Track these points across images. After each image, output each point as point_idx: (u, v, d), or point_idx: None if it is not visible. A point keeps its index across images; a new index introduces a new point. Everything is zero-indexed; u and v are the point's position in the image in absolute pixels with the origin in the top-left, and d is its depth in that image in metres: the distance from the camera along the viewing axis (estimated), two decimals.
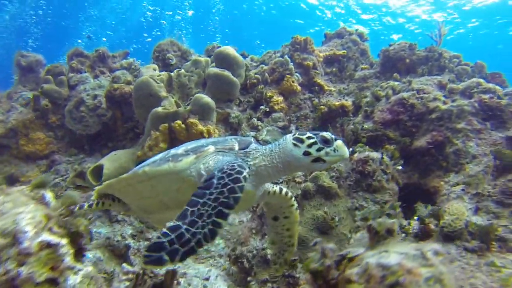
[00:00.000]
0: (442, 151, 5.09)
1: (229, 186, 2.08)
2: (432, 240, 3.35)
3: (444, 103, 5.60)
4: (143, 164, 2.75)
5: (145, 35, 32.05)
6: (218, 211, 1.96)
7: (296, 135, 2.38)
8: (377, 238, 1.49)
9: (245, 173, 2.16)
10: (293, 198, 3.09)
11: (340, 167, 4.58)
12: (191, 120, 5.65)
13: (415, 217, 3.91)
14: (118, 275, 4.41)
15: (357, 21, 30.00)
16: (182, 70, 7.01)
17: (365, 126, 5.64)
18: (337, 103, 6.81)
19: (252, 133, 6.24)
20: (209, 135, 5.74)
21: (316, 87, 7.65)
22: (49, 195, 2.20)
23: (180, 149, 2.56)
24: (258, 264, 4.17)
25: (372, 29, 30.00)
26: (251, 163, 2.46)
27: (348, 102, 6.92)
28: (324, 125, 6.82)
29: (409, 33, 28.92)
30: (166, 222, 2.26)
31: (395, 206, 1.76)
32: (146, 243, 5.19)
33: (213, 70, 6.52)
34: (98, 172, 5.41)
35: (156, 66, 7.16)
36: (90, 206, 3.17)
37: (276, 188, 2.90)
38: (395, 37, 29.49)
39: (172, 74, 6.88)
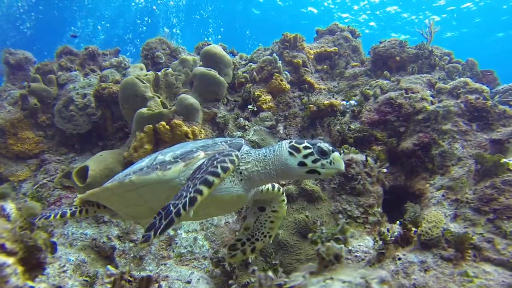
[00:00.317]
0: (428, 153, 5.06)
1: (219, 159, 2.08)
2: (412, 247, 3.35)
3: (432, 103, 5.56)
4: (128, 170, 2.61)
5: (138, 21, 31.80)
6: (203, 179, 1.95)
7: (293, 143, 2.30)
8: (325, 263, 1.47)
9: (237, 152, 2.17)
10: (284, 194, 2.99)
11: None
12: (176, 121, 5.61)
13: (398, 222, 3.91)
14: (102, 277, 4.42)
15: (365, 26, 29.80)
16: (170, 70, 6.94)
17: (352, 126, 5.60)
18: (326, 102, 6.75)
19: (239, 133, 6.20)
20: (194, 136, 5.71)
21: (306, 85, 7.57)
22: (9, 206, 2.17)
23: (167, 155, 2.45)
24: (240, 268, 4.17)
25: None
26: (243, 167, 2.38)
27: (338, 100, 6.86)
28: (313, 124, 6.78)
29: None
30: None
31: (344, 230, 1.70)
32: (131, 245, 5.20)
33: (200, 69, 6.46)
34: (84, 173, 5.39)
35: (143, 66, 7.09)
36: (72, 214, 2.99)
37: (269, 185, 2.80)
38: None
39: (159, 73, 6.82)
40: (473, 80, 6.72)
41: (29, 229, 2.00)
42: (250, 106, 6.74)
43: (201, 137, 6.05)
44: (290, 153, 2.26)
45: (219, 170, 2.01)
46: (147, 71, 7.52)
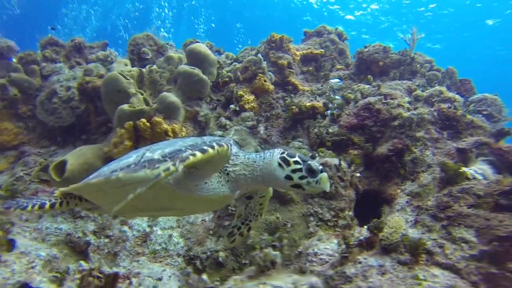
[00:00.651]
0: (401, 159, 5.20)
1: (214, 140, 2.13)
2: (374, 251, 3.46)
3: (408, 110, 5.70)
4: (115, 166, 2.52)
5: (128, 5, 31.42)
6: (200, 148, 2.00)
7: (285, 155, 2.30)
8: (261, 268, 1.55)
9: (231, 142, 2.20)
10: None
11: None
12: (156, 118, 5.65)
13: (365, 227, 4.03)
14: (74, 273, 4.46)
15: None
16: (154, 66, 6.95)
17: (330, 130, 5.71)
18: (308, 104, 6.85)
19: (220, 132, 6.27)
20: (174, 134, 5.76)
21: (290, 87, 7.66)
22: None
23: (156, 153, 2.39)
24: (211, 266, 4.25)
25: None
26: (231, 169, 2.39)
27: (319, 103, 6.96)
28: (295, 125, 6.87)
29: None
30: (140, 215, 2.23)
31: (282, 238, 1.80)
32: (107, 240, 5.24)
33: (183, 68, 6.49)
34: (62, 167, 5.39)
35: (128, 61, 7.09)
36: (52, 205, 2.85)
37: None
38: None
39: (144, 70, 6.83)
40: (451, 88, 6.90)
41: None
42: (232, 106, 6.80)
43: (181, 135, 6.09)
44: (280, 165, 2.27)
45: (215, 145, 2.04)
46: (133, 66, 7.52)
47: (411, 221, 3.47)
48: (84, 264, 4.63)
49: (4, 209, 2.46)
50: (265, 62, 7.32)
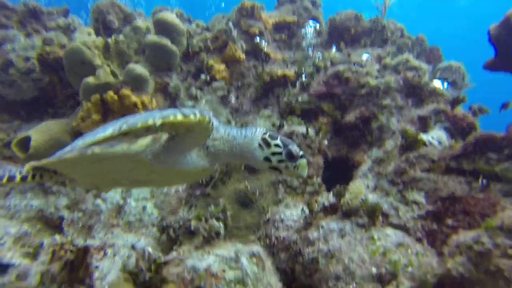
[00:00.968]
0: (368, 126, 5.36)
1: (194, 110, 1.99)
2: (337, 215, 3.65)
3: (377, 78, 5.80)
4: (88, 140, 2.33)
5: None
6: (182, 110, 1.87)
7: (266, 137, 2.24)
8: (206, 239, 1.65)
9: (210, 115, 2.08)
10: None
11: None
12: (124, 91, 5.52)
13: (331, 192, 4.21)
14: (47, 247, 4.48)
15: None
16: (121, 36, 6.68)
17: (300, 98, 5.77)
18: (279, 72, 6.83)
19: (190, 103, 6.21)
20: (144, 106, 5.67)
21: (262, 55, 7.58)
22: None
23: None
24: (184, 234, 4.38)
25: None
26: (210, 143, 2.33)
27: (291, 71, 6.95)
28: (266, 94, 6.88)
29: None
30: (117, 187, 2.17)
31: (226, 209, 1.89)
32: (80, 214, 5.25)
33: (151, 38, 6.28)
34: (25, 143, 5.26)
35: (91, 30, 6.76)
36: (23, 178, 2.65)
37: None
38: None
39: (109, 40, 6.55)
40: (420, 56, 7.02)
41: None
42: (203, 76, 6.71)
43: (152, 107, 6.00)
44: (260, 145, 2.24)
45: (197, 113, 1.90)
46: (97, 36, 7.19)
47: (371, 186, 3.66)
48: (58, 238, 4.66)
49: None
50: (235, 31, 7.16)
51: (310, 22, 7.49)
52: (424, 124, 4.27)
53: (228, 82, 6.89)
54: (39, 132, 5.28)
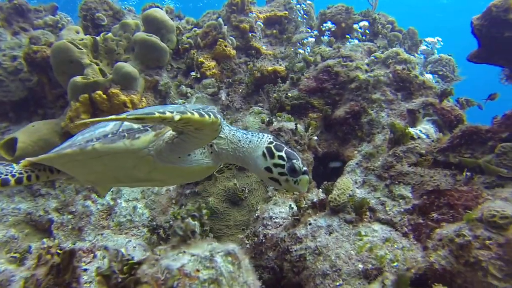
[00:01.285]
0: (358, 121, 5.34)
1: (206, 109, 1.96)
2: (325, 212, 3.62)
3: (366, 71, 5.76)
4: (89, 135, 2.32)
5: None
6: (199, 111, 1.82)
7: (272, 146, 2.18)
8: (182, 238, 1.62)
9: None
10: None
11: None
12: (113, 90, 5.47)
13: (320, 189, 4.18)
14: (35, 251, 4.43)
15: None
16: (109, 34, 6.60)
17: (290, 94, 5.73)
18: (270, 68, 6.79)
19: (181, 101, 6.17)
20: (133, 105, 5.62)
21: (253, 51, 7.54)
22: None
23: None
24: (174, 234, 4.34)
25: None
26: (215, 141, 2.28)
27: (282, 67, 6.92)
28: (258, 90, 6.84)
29: None
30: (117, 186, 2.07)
31: (201, 208, 1.86)
32: (70, 216, 5.21)
33: (140, 35, 6.21)
34: (12, 146, 5.20)
35: (79, 28, 6.67)
36: (18, 181, 2.51)
37: None
38: None
39: (98, 38, 6.48)
40: (412, 49, 6.99)
41: None
42: (193, 73, 6.66)
43: (142, 106, 5.95)
44: (263, 154, 2.19)
45: (211, 114, 1.86)
46: (86, 34, 7.10)
47: (359, 181, 3.64)
48: (47, 242, 4.62)
49: None
50: (225, 27, 7.10)
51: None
52: (413, 117, 4.25)
53: (218, 79, 6.84)
54: (26, 133, 5.22)
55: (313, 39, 7.67)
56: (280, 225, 3.63)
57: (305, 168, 2.19)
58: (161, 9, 7.66)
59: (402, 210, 2.95)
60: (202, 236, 1.82)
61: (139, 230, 5.01)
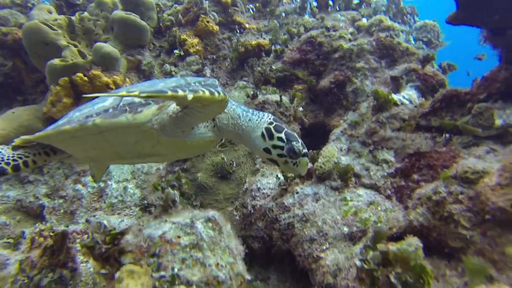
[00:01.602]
0: (343, 90, 5.35)
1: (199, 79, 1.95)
2: (312, 180, 3.68)
3: (350, 40, 5.72)
4: (87, 111, 2.24)
5: None
6: (209, 89, 1.79)
7: (271, 127, 2.15)
8: (163, 208, 1.66)
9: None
10: None
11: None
12: (94, 71, 5.35)
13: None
14: (29, 236, 4.46)
15: None
16: (85, 13, 6.38)
17: (273, 67, 5.69)
18: (253, 42, 6.69)
19: None
20: (116, 86, 5.53)
21: (236, 26, 7.39)
22: None
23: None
24: (164, 212, 4.40)
25: None
26: (217, 116, 2.26)
27: (266, 40, 6.82)
28: (242, 65, 6.77)
29: None
30: (119, 163, 2.04)
31: (180, 177, 1.89)
32: (61, 201, 5.22)
33: (118, 14, 6.02)
34: None
35: (51, 8, 6.39)
36: (15, 168, 2.43)
37: None
38: None
39: (73, 18, 6.26)
40: (396, 16, 6.92)
41: None
42: (176, 51, 6.53)
43: (126, 86, 5.86)
44: (262, 135, 2.16)
45: (221, 92, 1.81)
46: (60, 14, 6.84)
47: (344, 149, 3.70)
48: (40, 226, 4.64)
49: None
50: (207, 2, 6.92)
51: None
52: (396, 84, 4.27)
53: (202, 55, 6.73)
54: (6, 120, 5.12)
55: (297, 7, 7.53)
56: (268, 195, 3.70)
57: (305, 150, 2.19)
58: None
59: (386, 174, 3.02)
60: (183, 206, 1.87)
61: (131, 210, 5.05)
